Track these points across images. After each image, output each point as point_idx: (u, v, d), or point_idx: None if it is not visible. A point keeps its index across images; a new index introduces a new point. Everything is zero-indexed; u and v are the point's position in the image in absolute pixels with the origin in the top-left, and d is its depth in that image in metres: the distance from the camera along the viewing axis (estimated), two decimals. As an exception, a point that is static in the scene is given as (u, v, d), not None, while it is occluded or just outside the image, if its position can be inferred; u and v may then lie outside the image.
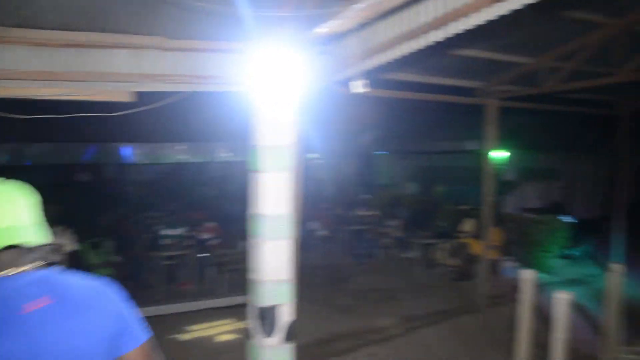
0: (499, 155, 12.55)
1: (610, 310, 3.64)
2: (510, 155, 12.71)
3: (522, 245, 9.74)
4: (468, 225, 9.73)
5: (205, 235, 9.80)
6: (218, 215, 10.96)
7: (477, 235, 9.00)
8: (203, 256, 9.05)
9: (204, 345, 6.63)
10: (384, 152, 17.42)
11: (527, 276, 3.32)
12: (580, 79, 6.90)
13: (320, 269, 10.44)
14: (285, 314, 4.05)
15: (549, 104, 8.57)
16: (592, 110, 9.66)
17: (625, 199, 9.68)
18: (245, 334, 4.26)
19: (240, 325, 6.97)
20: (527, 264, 9.61)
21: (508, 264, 9.64)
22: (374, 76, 5.58)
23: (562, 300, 2.95)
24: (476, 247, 8.88)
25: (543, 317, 4.47)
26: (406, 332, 7.08)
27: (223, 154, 12.84)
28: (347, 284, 9.45)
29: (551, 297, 3.07)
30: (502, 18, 3.03)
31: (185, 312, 7.48)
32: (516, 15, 3.00)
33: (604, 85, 6.77)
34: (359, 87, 3.61)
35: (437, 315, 7.66)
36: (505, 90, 7.62)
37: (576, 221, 10.97)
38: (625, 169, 9.61)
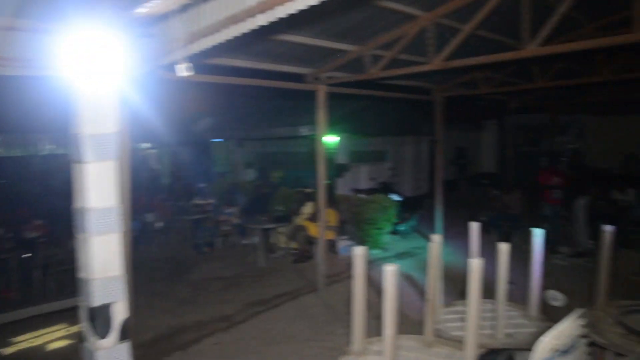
0: (331, 139, 13.07)
1: (432, 277, 3.95)
2: (343, 139, 13.30)
3: (356, 224, 10.28)
4: (306, 208, 10.01)
5: (29, 235, 8.98)
6: (44, 212, 10.06)
7: (313, 218, 9.30)
8: (27, 257, 8.27)
9: (34, 357, 6.10)
10: (222, 140, 17.23)
11: (359, 252, 3.47)
12: (400, 67, 7.41)
13: (158, 262, 10.13)
14: (120, 312, 3.83)
15: (375, 90, 9.11)
16: (413, 96, 10.44)
17: (443, 177, 10.63)
18: (79, 338, 3.97)
19: (73, 329, 6.53)
20: (362, 242, 10.19)
21: (344, 243, 10.10)
22: (201, 61, 5.49)
23: (389, 272, 3.14)
24: (313, 229, 9.19)
25: (376, 290, 4.82)
26: (250, 317, 7.12)
27: (47, 146, 11.81)
28: (188, 275, 9.27)
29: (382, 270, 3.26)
30: (325, 4, 3.13)
31: (8, 323, 6.78)
32: (339, 2, 3.11)
33: (420, 72, 7.33)
34: (183, 71, 3.50)
35: (279, 298, 7.81)
36: (333, 77, 7.94)
37: (403, 199, 11.83)
38: (440, 150, 10.53)
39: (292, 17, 3.32)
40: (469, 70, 9.64)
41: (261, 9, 3.30)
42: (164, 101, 9.03)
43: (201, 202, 11.87)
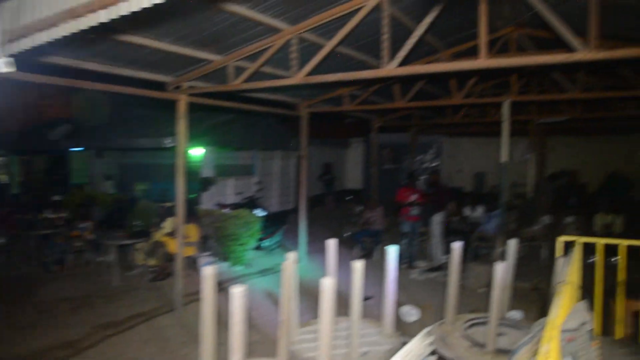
0: (196, 152, 12.67)
1: (286, 297, 3.82)
2: (208, 152, 12.94)
3: (219, 240, 9.97)
4: (167, 223, 9.53)
5: None
6: None
7: (174, 233, 8.87)
8: None
9: None
10: (80, 149, 16.07)
11: (209, 273, 3.24)
12: (264, 80, 7.33)
13: (-3, 283, 9.11)
14: None
15: (240, 102, 8.93)
16: (278, 111, 10.41)
17: (309, 192, 10.67)
18: None
19: None
20: (225, 258, 9.91)
21: (206, 260, 9.75)
22: (40, 59, 4.99)
23: (237, 294, 2.95)
24: (173, 245, 8.75)
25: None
26: (98, 341, 6.56)
27: None
28: (33, 296, 8.37)
29: (229, 293, 3.05)
30: (175, 5, 2.92)
31: None
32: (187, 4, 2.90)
33: (283, 86, 7.29)
34: (2, 66, 3.09)
35: (133, 319, 7.30)
36: (195, 87, 7.66)
37: (268, 214, 11.73)
38: (305, 166, 10.57)
39: (144, 18, 3.07)
40: (334, 86, 9.82)
41: (102, 4, 3.01)
42: (13, 104, 8.18)
43: (51, 215, 10.88)
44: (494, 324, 3.92)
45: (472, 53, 7.06)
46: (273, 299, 8.13)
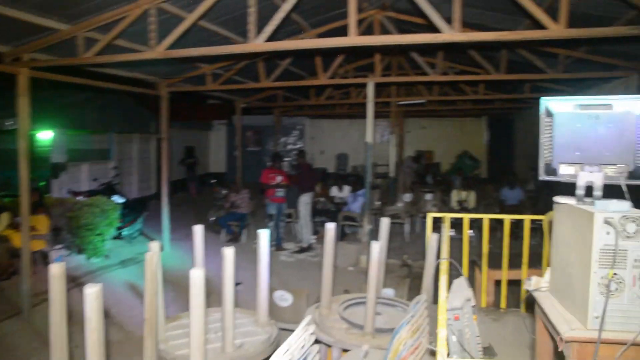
0: (43, 135, 11.53)
1: (149, 292, 3.46)
2: (59, 135, 11.82)
3: (74, 230, 9.10)
4: (6, 214, 8.50)
5: None
6: None
7: (17, 226, 7.93)
8: None
9: None
10: None
11: (56, 271, 2.80)
12: (121, 53, 6.73)
13: None
14: None
15: (93, 79, 8.17)
16: (136, 89, 9.71)
17: (170, 176, 10.10)
18: None
19: None
20: (81, 250, 9.09)
21: (59, 253, 8.87)
22: None
23: (91, 295, 2.57)
24: (18, 239, 7.81)
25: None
26: None
27: None
28: None
29: (84, 291, 2.65)
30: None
31: None
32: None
33: (141, 61, 6.74)
34: None
35: (-29, 328, 6.38)
36: (38, 59, 6.83)
37: (128, 201, 10.98)
38: (166, 149, 9.99)
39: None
40: (196, 63, 9.35)
41: None
42: None
43: None
44: (371, 305, 3.88)
45: (336, 34, 7.05)
46: (136, 292, 7.58)
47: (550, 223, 4.24)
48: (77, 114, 11.75)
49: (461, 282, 3.04)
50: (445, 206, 11.48)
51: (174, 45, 6.21)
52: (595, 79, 9.86)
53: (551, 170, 2.67)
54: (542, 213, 3.89)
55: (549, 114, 2.65)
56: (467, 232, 5.36)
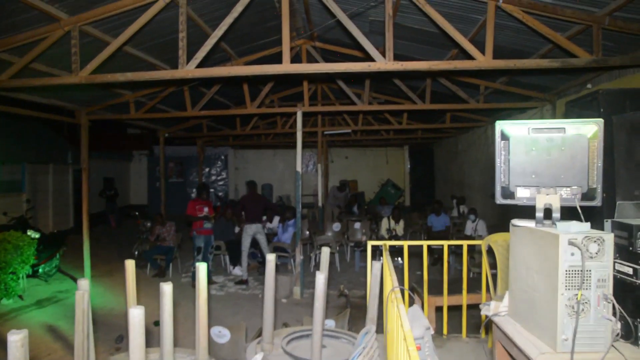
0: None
1: (80, 333, 3.16)
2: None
3: (-18, 269, 8.35)
4: None
5: None
6: None
7: None
8: None
9: None
10: None
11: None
12: (37, 77, 6.32)
13: None
14: None
15: (5, 104, 7.64)
16: (52, 117, 9.17)
17: (89, 209, 9.53)
18: None
19: None
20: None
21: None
22: None
23: (15, 342, 2.28)
24: None
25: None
26: None
27: None
28: None
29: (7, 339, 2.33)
30: None
31: None
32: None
33: (61, 85, 6.36)
34: None
35: None
36: None
37: (43, 235, 10.24)
38: (86, 180, 9.44)
39: None
40: (118, 89, 8.98)
41: None
42: None
43: None
44: (317, 338, 3.72)
45: (263, 63, 7.03)
46: (56, 334, 7.02)
47: (489, 247, 4.30)
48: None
49: (416, 311, 2.96)
50: (374, 234, 11.53)
51: (97, 71, 5.91)
52: (512, 109, 10.37)
53: (508, 194, 2.67)
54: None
55: (505, 137, 2.67)
56: (397, 260, 5.35)
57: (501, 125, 2.68)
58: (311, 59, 9.24)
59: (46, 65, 6.72)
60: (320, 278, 3.79)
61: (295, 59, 9.05)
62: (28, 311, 8.13)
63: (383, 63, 5.59)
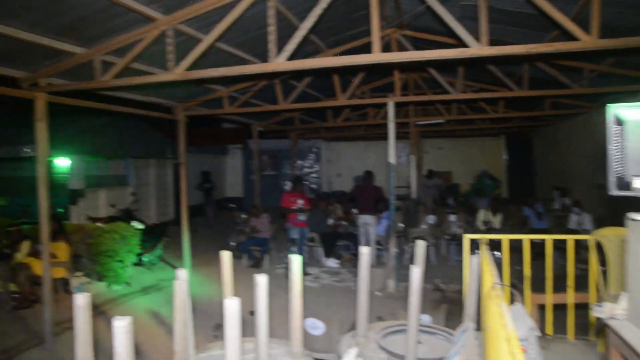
0: (61, 161, 11.44)
1: (178, 322, 3.22)
2: (76, 161, 11.71)
3: (94, 257, 8.90)
4: (27, 242, 8.35)
5: None
6: None
7: (37, 253, 7.75)
8: None
9: None
10: None
11: (81, 302, 2.56)
12: (137, 76, 6.58)
13: None
14: None
15: (110, 103, 8.04)
16: (153, 114, 9.57)
17: (188, 201, 9.87)
18: None
19: None
20: (101, 277, 8.89)
21: (79, 281, 8.69)
22: None
23: (120, 329, 2.33)
24: (39, 267, 7.63)
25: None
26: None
27: None
28: None
29: (108, 317, 2.40)
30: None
31: None
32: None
33: (158, 83, 6.58)
34: None
35: (-7, 358, 6.13)
36: (55, 84, 6.70)
37: (147, 227, 10.77)
38: (184, 174, 9.77)
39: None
40: (213, 85, 9.22)
41: None
42: None
43: None
44: (412, 333, 3.59)
45: (353, 53, 6.92)
46: (159, 319, 7.36)
47: (598, 242, 3.97)
48: (94, 140, 11.65)
49: (519, 309, 2.76)
50: (470, 227, 11.15)
51: (191, 67, 6.07)
52: (620, 93, 9.58)
53: (624, 184, 2.41)
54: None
55: (619, 122, 2.41)
56: (494, 254, 5.08)
57: (615, 109, 2.42)
58: (401, 48, 9.03)
59: (145, 64, 7.00)
60: (416, 272, 3.66)
61: (385, 48, 8.86)
62: (134, 297, 8.59)
63: (477, 48, 5.32)
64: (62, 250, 8.31)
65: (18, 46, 5.51)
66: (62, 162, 11.62)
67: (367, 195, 10.26)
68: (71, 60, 6.19)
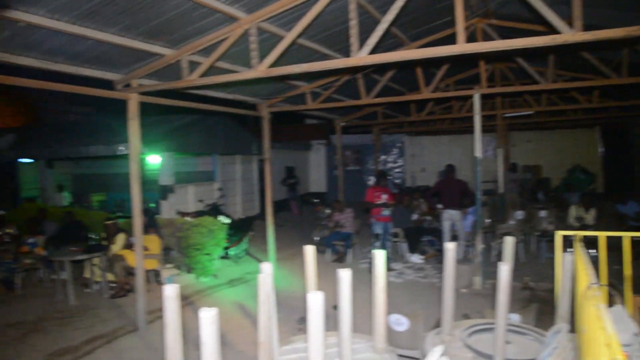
0: (154, 158, 12.00)
1: (264, 315, 3.29)
2: (166, 158, 12.26)
3: (182, 250, 9.31)
4: (122, 235, 8.84)
5: None
6: None
7: (131, 246, 8.19)
8: None
9: None
10: (29, 160, 15.11)
11: (171, 293, 2.67)
12: (222, 74, 6.77)
13: None
14: None
15: (197, 102, 8.33)
16: (238, 111, 9.82)
17: (273, 197, 10.06)
18: None
19: None
20: (189, 269, 9.26)
21: (170, 272, 9.10)
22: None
23: (207, 320, 2.41)
24: (132, 258, 8.07)
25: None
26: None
27: None
28: (-26, 324, 7.52)
29: (196, 307, 2.49)
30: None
31: None
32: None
33: (242, 80, 6.73)
34: None
35: (91, 343, 6.50)
36: (145, 85, 7.03)
37: (233, 221, 11.10)
38: (269, 169, 9.97)
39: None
40: (294, 81, 9.32)
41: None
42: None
43: (-2, 232, 9.92)
44: (500, 332, 3.48)
45: (436, 45, 6.74)
46: (245, 311, 7.56)
47: None
48: (182, 138, 12.13)
49: (620, 312, 2.58)
50: (561, 223, 10.63)
51: (274, 64, 6.17)
52: None
53: None
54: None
55: None
56: (591, 252, 4.79)
57: None
58: (487, 38, 8.72)
59: (229, 63, 7.19)
60: (504, 269, 3.54)
61: (470, 38, 8.59)
62: (221, 289, 8.88)
63: (570, 34, 5.02)
64: (154, 243, 8.72)
65: (111, 50, 5.84)
66: (154, 160, 12.20)
67: (452, 189, 10.03)
68: (160, 62, 6.48)
